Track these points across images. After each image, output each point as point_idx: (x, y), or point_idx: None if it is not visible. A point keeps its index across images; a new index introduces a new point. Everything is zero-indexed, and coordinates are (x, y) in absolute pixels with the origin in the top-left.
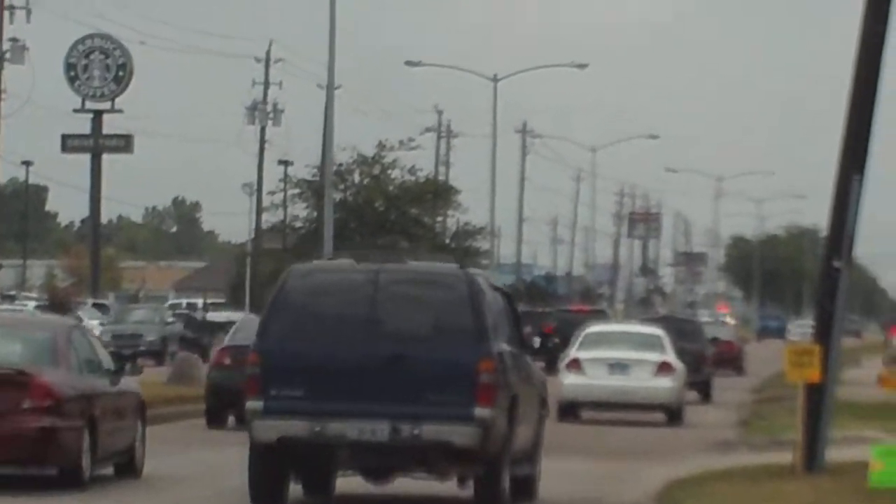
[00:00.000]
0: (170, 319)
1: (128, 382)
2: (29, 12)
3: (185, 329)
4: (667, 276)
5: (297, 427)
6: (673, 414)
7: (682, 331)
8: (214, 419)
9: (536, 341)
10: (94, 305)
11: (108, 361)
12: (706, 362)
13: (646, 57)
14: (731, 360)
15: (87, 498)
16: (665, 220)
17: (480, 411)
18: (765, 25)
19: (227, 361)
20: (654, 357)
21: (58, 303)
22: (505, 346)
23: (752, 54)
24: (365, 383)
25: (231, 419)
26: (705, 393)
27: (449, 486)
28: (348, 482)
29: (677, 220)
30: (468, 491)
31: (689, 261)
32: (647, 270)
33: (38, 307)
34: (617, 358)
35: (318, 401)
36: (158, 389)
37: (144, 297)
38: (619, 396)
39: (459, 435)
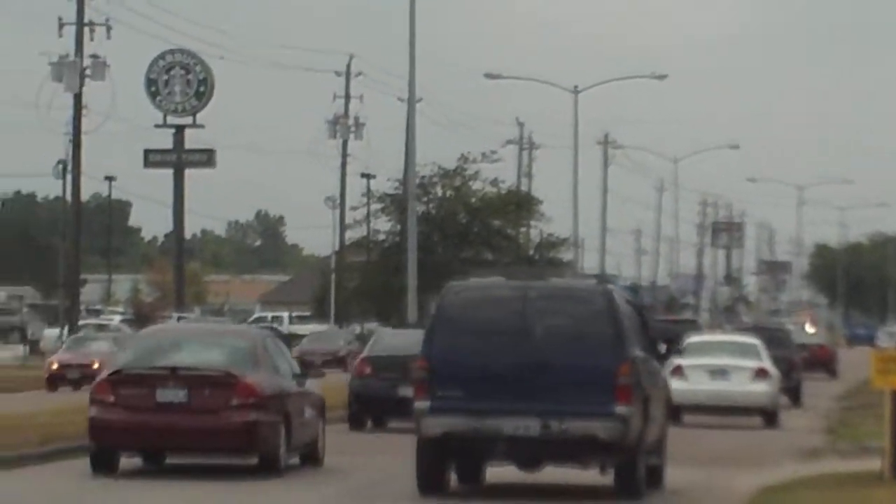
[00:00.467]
0: None
1: (311, 384)
2: (109, 29)
3: None
4: (751, 284)
5: (459, 423)
6: (769, 417)
7: (773, 339)
8: (356, 423)
9: (663, 348)
10: (180, 319)
11: (295, 366)
12: (796, 368)
13: (726, 66)
14: (825, 363)
15: (286, 483)
16: (748, 230)
17: (620, 408)
18: (847, 35)
19: (368, 371)
20: (752, 364)
21: (143, 317)
22: (638, 352)
23: (833, 63)
24: (517, 385)
25: (369, 423)
26: (795, 397)
27: (590, 474)
28: (495, 472)
29: (760, 230)
30: (609, 478)
31: (773, 269)
32: (731, 279)
33: (123, 321)
34: (717, 365)
35: (477, 400)
36: None
37: (229, 310)
38: (719, 400)
39: (603, 429)
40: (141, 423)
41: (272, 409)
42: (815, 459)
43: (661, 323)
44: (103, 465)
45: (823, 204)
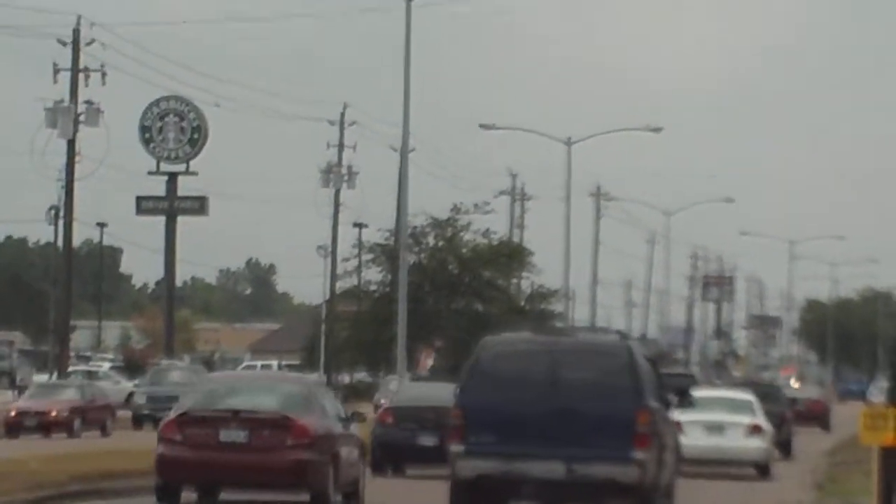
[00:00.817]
0: None
1: (354, 427)
2: (104, 75)
3: None
4: (741, 338)
5: (491, 466)
6: (763, 469)
7: (765, 394)
8: (378, 469)
9: (674, 400)
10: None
11: (341, 410)
12: (787, 423)
13: (719, 120)
14: (818, 416)
15: None
16: (739, 284)
17: (638, 454)
18: (839, 92)
19: (390, 420)
20: (747, 420)
21: (133, 364)
22: (654, 403)
23: (827, 119)
24: (544, 432)
25: (390, 470)
26: (787, 451)
27: None
28: None
29: (751, 284)
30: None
31: (764, 324)
32: (721, 333)
33: (112, 368)
34: (713, 420)
35: (508, 445)
36: None
37: (220, 359)
38: (715, 454)
39: (622, 473)
40: (205, 460)
41: (323, 450)
42: None
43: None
44: (167, 498)
45: (815, 259)
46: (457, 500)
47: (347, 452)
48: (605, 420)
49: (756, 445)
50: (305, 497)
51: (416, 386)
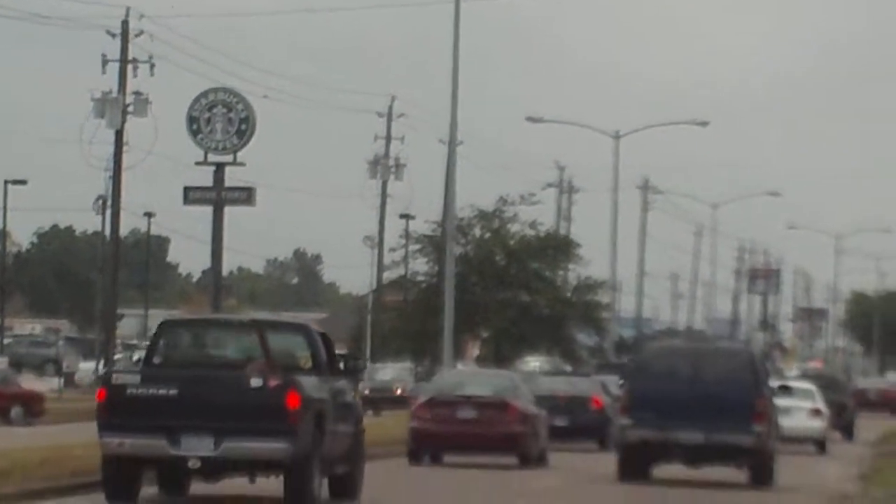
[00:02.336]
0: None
1: (540, 409)
2: (152, 66)
3: None
4: (787, 331)
5: (650, 434)
6: (820, 445)
7: (830, 385)
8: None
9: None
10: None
11: (532, 396)
12: (848, 409)
13: (767, 113)
14: (889, 403)
15: (544, 472)
16: (785, 276)
17: (756, 427)
18: (883, 85)
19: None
20: (809, 405)
21: None
22: (767, 391)
23: (874, 111)
24: (689, 410)
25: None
26: (849, 433)
27: (731, 472)
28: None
29: (797, 276)
30: (745, 474)
31: (810, 316)
32: (767, 325)
33: None
34: (782, 406)
35: (662, 419)
36: None
37: None
38: (784, 433)
39: (745, 440)
40: (446, 432)
41: (527, 425)
42: None
43: None
44: (415, 460)
45: (860, 252)
46: (625, 459)
47: (541, 427)
48: (733, 403)
49: (816, 426)
50: (514, 459)
51: (453, 374)
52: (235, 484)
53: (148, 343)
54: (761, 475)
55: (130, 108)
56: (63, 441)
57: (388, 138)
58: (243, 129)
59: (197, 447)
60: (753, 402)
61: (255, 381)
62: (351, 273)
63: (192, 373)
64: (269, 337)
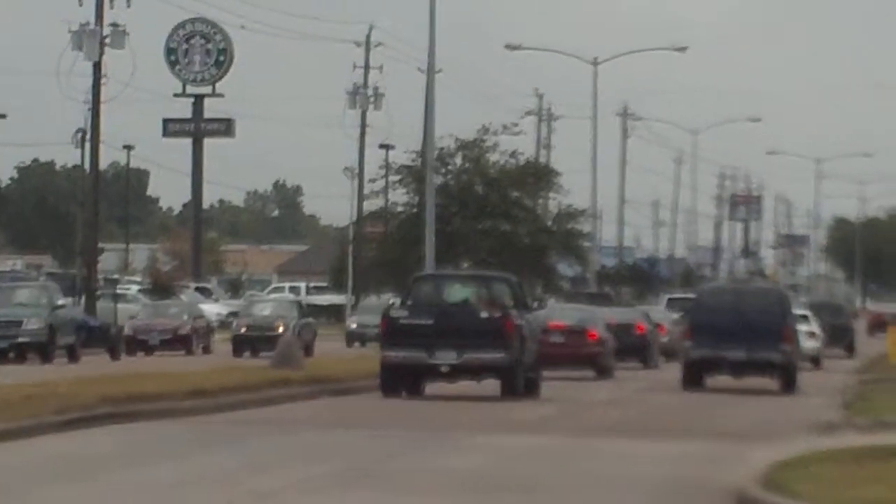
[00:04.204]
0: (61, 302)
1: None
2: None
3: None
4: (769, 258)
5: (706, 352)
6: (816, 362)
7: (833, 310)
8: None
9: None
10: (197, 289)
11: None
12: (850, 331)
13: (746, 39)
14: (879, 325)
15: (614, 382)
16: (766, 203)
17: (785, 347)
18: (870, 9)
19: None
20: (805, 328)
21: (160, 286)
22: (792, 321)
23: (854, 37)
24: (734, 335)
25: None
26: (851, 351)
27: (765, 381)
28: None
29: (778, 203)
30: (776, 383)
31: (791, 243)
32: (749, 252)
33: (140, 291)
34: None
35: (714, 341)
36: (268, 373)
37: (247, 280)
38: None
39: (777, 357)
40: (545, 352)
41: (603, 346)
42: (831, 435)
43: None
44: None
45: (842, 177)
46: (687, 371)
47: (611, 348)
48: (767, 328)
49: (812, 346)
50: (593, 373)
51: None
52: (460, 386)
53: (407, 291)
54: (788, 384)
55: (108, 40)
56: (47, 378)
57: (367, 67)
58: (221, 59)
59: (446, 357)
60: (781, 328)
61: (484, 314)
62: (331, 204)
63: (441, 308)
64: (488, 285)
